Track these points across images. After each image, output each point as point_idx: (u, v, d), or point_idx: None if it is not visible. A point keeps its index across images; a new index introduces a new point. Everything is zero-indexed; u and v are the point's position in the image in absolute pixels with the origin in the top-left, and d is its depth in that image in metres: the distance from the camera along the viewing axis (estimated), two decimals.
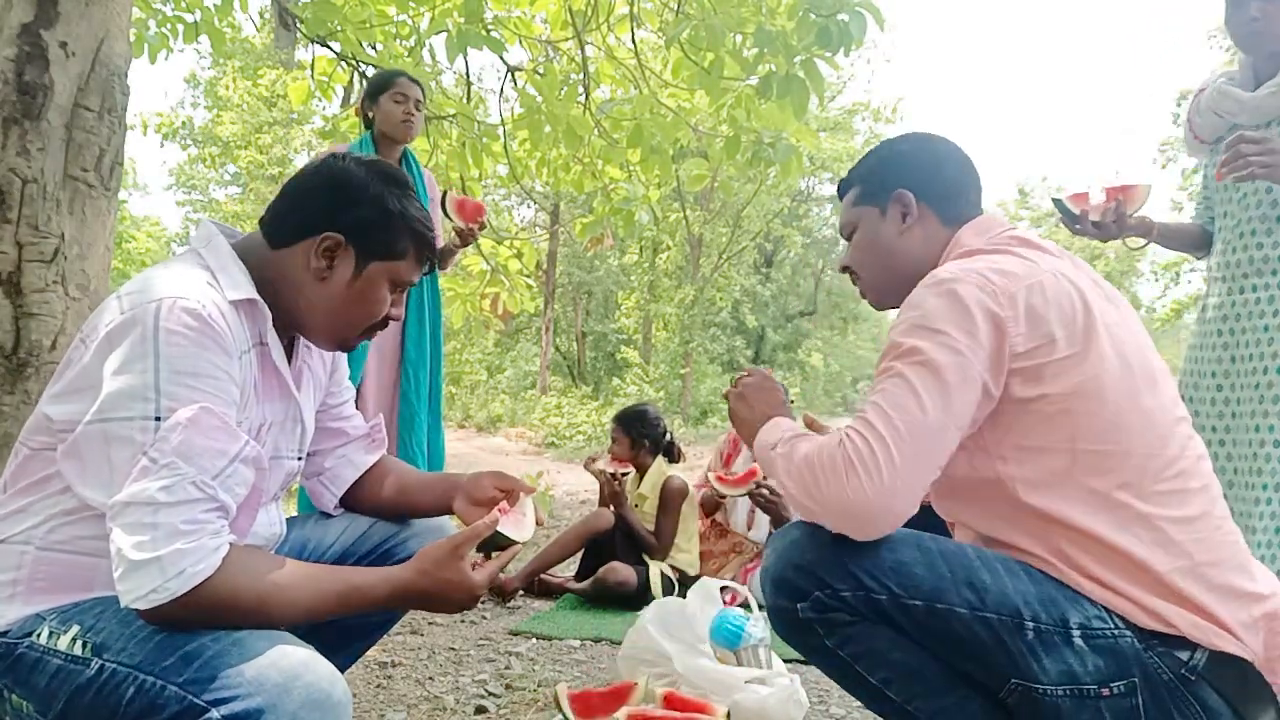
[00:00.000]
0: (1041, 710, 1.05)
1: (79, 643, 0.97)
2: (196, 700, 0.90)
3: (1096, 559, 1.06)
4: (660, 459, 3.27)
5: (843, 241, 1.44)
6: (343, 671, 1.01)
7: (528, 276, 5.35)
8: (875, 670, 1.12)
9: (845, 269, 1.42)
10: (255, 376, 1.16)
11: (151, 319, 0.99)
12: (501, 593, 2.98)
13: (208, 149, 16.42)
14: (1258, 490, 1.86)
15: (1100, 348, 1.10)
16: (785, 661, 1.97)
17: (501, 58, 4.24)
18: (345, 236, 1.17)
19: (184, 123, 15.52)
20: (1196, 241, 2.14)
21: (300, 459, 1.34)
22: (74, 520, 1.04)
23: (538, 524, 1.33)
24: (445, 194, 3.12)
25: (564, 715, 1.67)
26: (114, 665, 0.95)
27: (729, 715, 1.64)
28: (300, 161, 14.55)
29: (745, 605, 2.00)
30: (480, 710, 1.86)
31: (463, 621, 2.68)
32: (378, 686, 2.01)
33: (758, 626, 1.85)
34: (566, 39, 4.49)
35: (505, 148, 4.69)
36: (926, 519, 1.18)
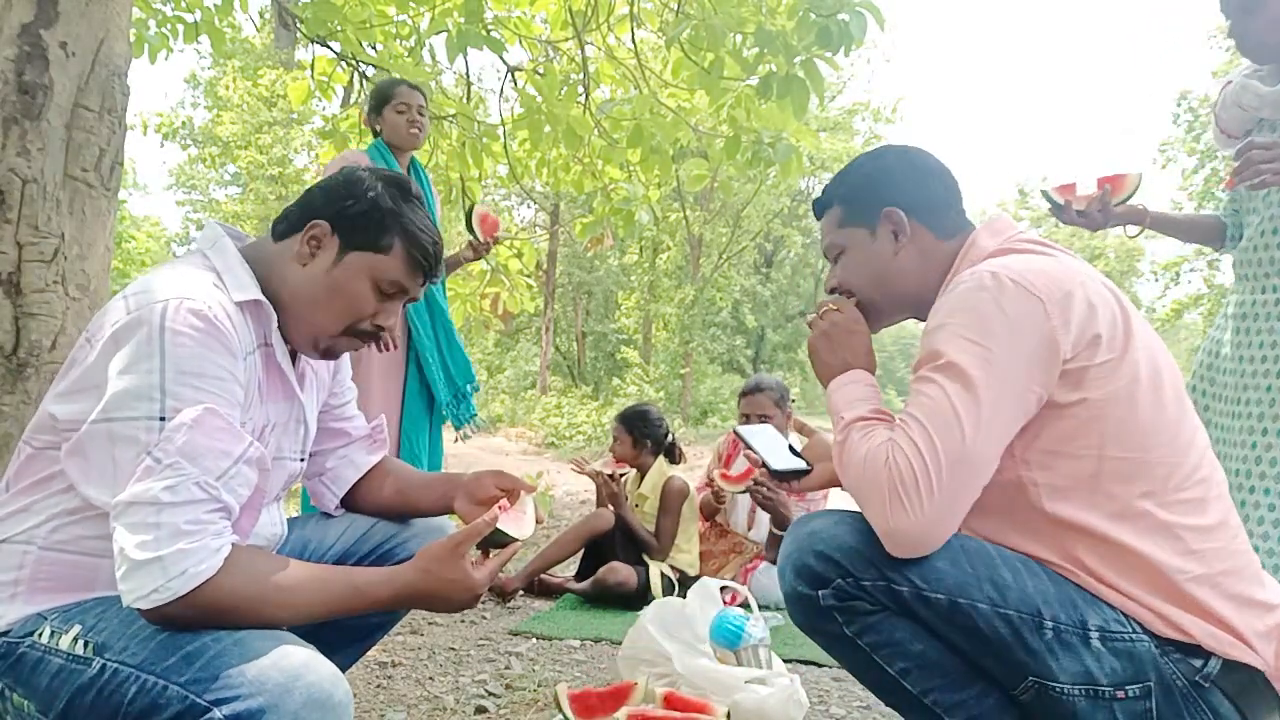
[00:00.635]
0: (1057, 708, 1.06)
1: (80, 642, 0.98)
2: (198, 700, 0.90)
3: (1114, 567, 1.07)
4: (661, 459, 3.27)
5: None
6: (343, 671, 1.01)
7: (528, 276, 5.34)
8: (894, 661, 1.12)
9: (835, 290, 1.38)
10: (260, 377, 1.16)
11: (158, 319, 1.00)
12: (501, 593, 2.98)
13: (208, 149, 16.40)
14: (1259, 495, 1.86)
15: (1135, 352, 1.10)
16: (785, 661, 1.97)
17: (501, 58, 4.24)
18: (331, 224, 1.17)
19: (184, 123, 15.52)
20: (1209, 233, 2.10)
21: (302, 460, 1.34)
22: (76, 520, 1.04)
23: (537, 522, 1.33)
24: (471, 208, 3.18)
25: (564, 715, 1.67)
26: (115, 665, 0.95)
27: (729, 715, 1.64)
28: (300, 161, 14.56)
29: (745, 605, 2.00)
30: (480, 710, 1.86)
31: (463, 621, 2.68)
32: (378, 686, 2.01)
33: (758, 626, 1.85)
34: (566, 39, 4.49)
35: (505, 148, 4.69)
36: None
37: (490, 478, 1.43)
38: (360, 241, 1.18)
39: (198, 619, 0.95)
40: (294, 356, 1.28)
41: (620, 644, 1.94)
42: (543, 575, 3.13)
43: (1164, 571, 1.05)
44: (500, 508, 1.29)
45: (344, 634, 1.41)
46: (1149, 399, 1.09)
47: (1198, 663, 1.05)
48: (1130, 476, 1.07)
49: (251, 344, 1.13)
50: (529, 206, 18.91)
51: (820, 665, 2.26)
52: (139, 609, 0.93)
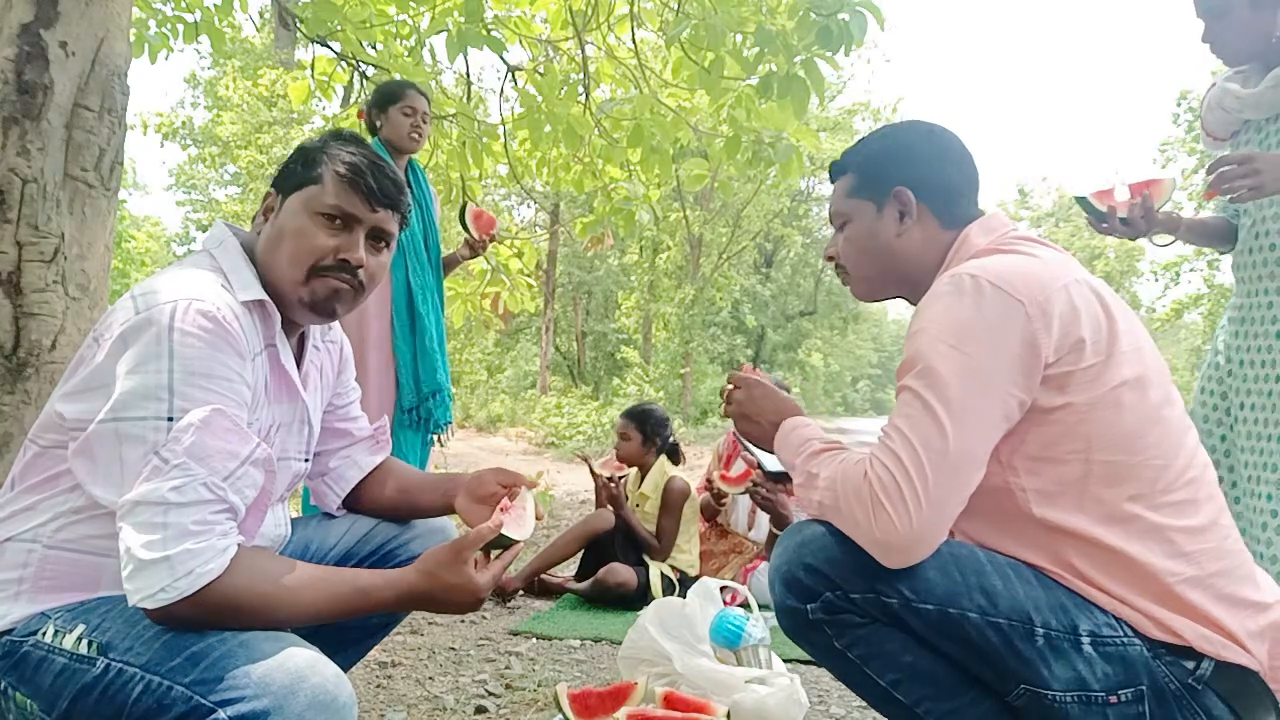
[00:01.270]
0: (1050, 715, 1.05)
1: (85, 641, 0.97)
2: (203, 701, 0.90)
3: (1105, 571, 1.06)
4: (664, 459, 3.27)
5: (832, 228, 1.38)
6: (344, 671, 1.01)
7: (528, 276, 5.34)
8: (885, 672, 1.12)
9: (831, 259, 1.37)
10: (266, 378, 1.16)
11: (166, 320, 1.00)
12: (502, 593, 2.98)
13: (208, 149, 16.41)
14: (1262, 500, 1.85)
15: (1121, 355, 1.09)
16: (785, 661, 1.97)
17: (501, 57, 4.23)
18: (274, 186, 1.21)
19: (184, 123, 15.52)
20: (1223, 235, 2.08)
21: (307, 460, 1.34)
22: (81, 519, 1.04)
23: (536, 519, 1.33)
24: (465, 205, 3.17)
25: (564, 715, 1.67)
26: (120, 665, 0.95)
27: (729, 715, 1.64)
28: None
29: (745, 605, 1.99)
30: (480, 710, 1.86)
31: (463, 621, 2.68)
32: (378, 686, 2.01)
33: (758, 626, 1.85)
34: (566, 39, 4.49)
35: (505, 147, 4.69)
36: None
37: (491, 475, 1.42)
38: (294, 184, 1.19)
39: (203, 619, 0.95)
40: (299, 356, 1.28)
41: (620, 644, 1.94)
42: (543, 575, 3.13)
43: (1155, 574, 1.04)
44: (502, 508, 1.29)
45: (345, 635, 1.41)
46: (1135, 401, 1.08)
47: (1190, 665, 1.04)
48: (1118, 479, 1.06)
49: (259, 345, 1.13)
50: (529, 206, 18.91)
51: (820, 665, 2.25)
52: (145, 609, 0.93)
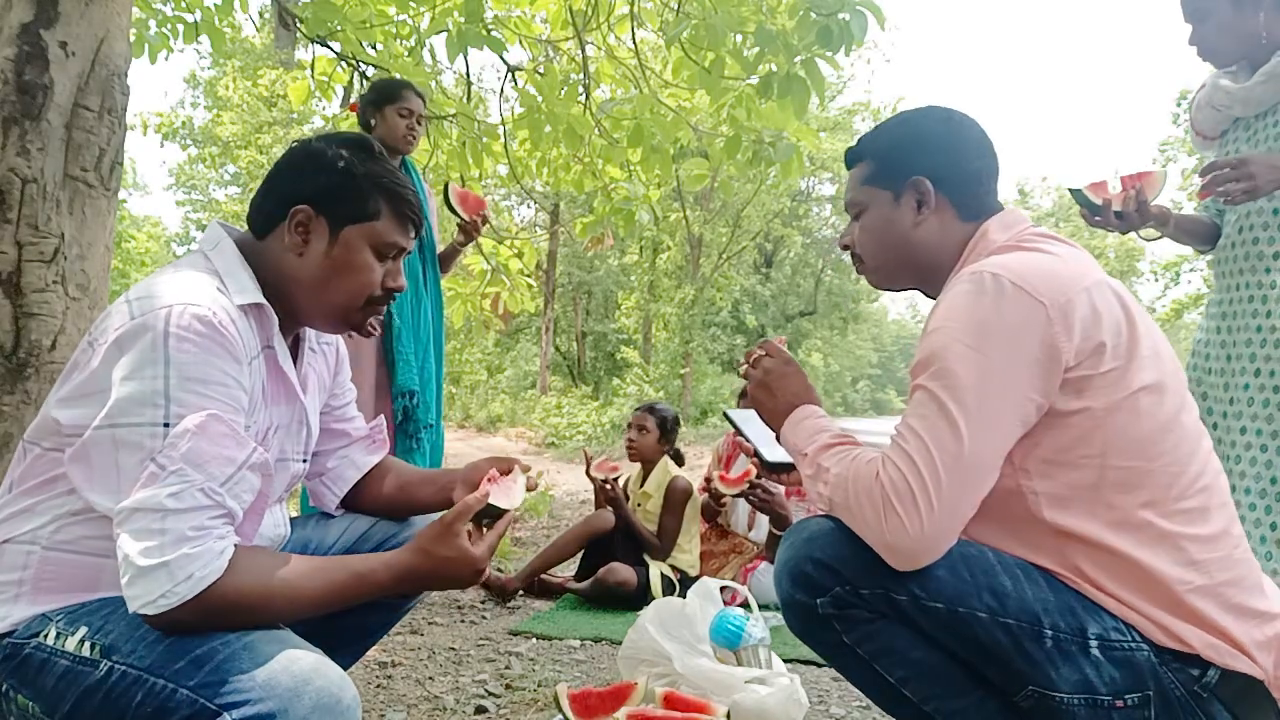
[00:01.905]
0: (1056, 716, 1.05)
1: (87, 644, 0.97)
2: (208, 704, 0.90)
3: (1114, 577, 1.05)
4: (667, 460, 3.28)
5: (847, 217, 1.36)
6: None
7: (528, 276, 5.34)
8: (894, 669, 1.11)
9: (846, 248, 1.35)
10: (263, 380, 1.16)
11: (162, 325, 0.99)
12: (502, 593, 2.98)
13: (208, 149, 16.41)
14: (1240, 494, 1.86)
15: (1140, 359, 1.08)
16: (785, 661, 1.97)
17: (501, 58, 4.23)
18: (313, 206, 1.16)
19: (184, 123, 15.52)
20: (1207, 235, 2.08)
21: (305, 461, 1.34)
22: (80, 520, 1.04)
23: (528, 489, 1.31)
24: (447, 185, 3.09)
25: (564, 715, 1.67)
26: (124, 667, 0.95)
27: (729, 715, 1.64)
28: None
29: (745, 605, 1.99)
30: (480, 710, 1.86)
31: (463, 621, 2.68)
32: (378, 686, 2.01)
33: (758, 626, 1.85)
34: (566, 39, 4.49)
35: (505, 147, 4.68)
36: None
37: (485, 463, 1.41)
38: (348, 214, 1.17)
39: (205, 622, 0.95)
40: (295, 357, 1.28)
41: (620, 644, 1.94)
42: (543, 575, 3.13)
43: (1165, 582, 1.03)
44: (490, 479, 1.27)
45: (344, 634, 1.41)
46: (1153, 407, 1.07)
47: (1196, 672, 1.04)
48: (1132, 486, 1.05)
49: (255, 348, 1.13)
50: (529, 206, 18.91)
51: (820, 665, 2.26)
52: (146, 615, 0.93)
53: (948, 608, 1.06)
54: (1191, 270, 17.78)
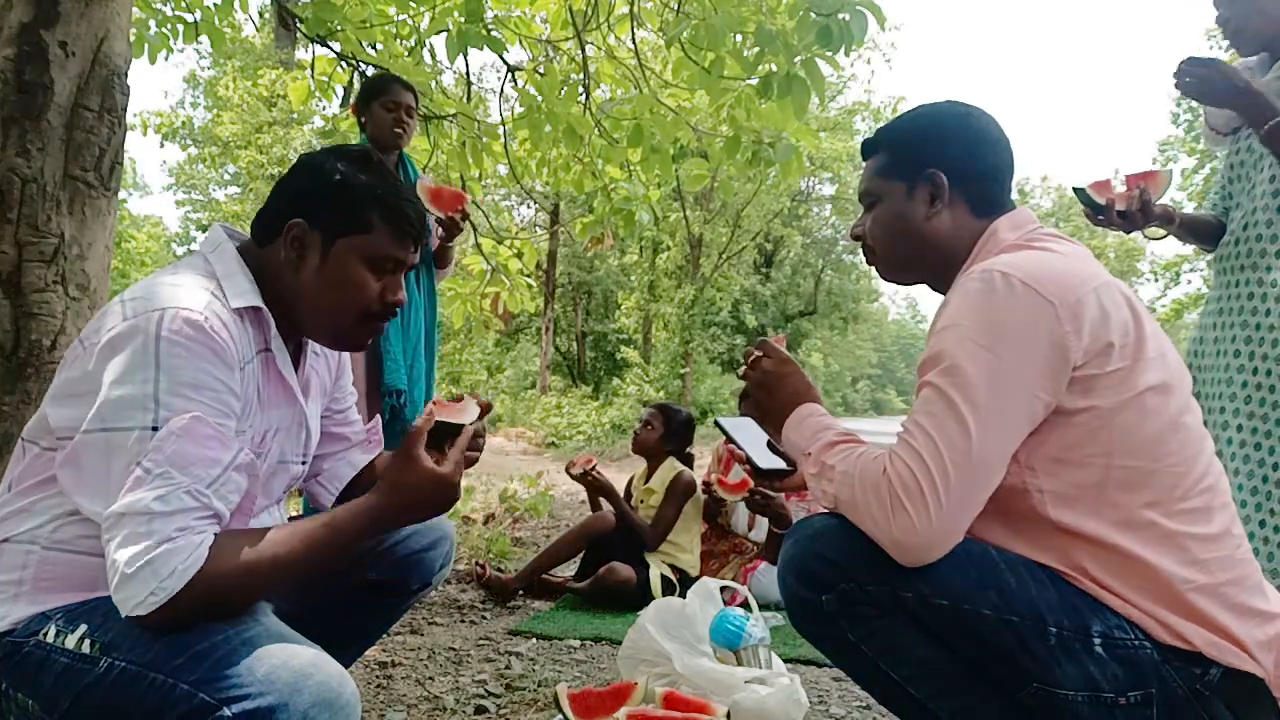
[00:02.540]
0: (1060, 714, 1.05)
1: (87, 642, 0.97)
2: (208, 699, 0.90)
3: (1118, 576, 1.06)
4: (674, 459, 3.28)
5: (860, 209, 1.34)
6: None
7: (528, 276, 5.34)
8: (898, 666, 1.11)
9: (858, 237, 1.35)
10: (260, 384, 1.16)
11: (154, 328, 0.99)
12: (502, 593, 2.98)
13: (208, 149, 16.41)
14: (1232, 491, 1.86)
15: (1146, 359, 1.08)
16: (785, 661, 1.97)
17: (501, 57, 4.23)
18: (308, 221, 1.15)
19: (184, 123, 15.52)
20: (1213, 234, 2.08)
21: (304, 463, 1.34)
22: (78, 520, 1.04)
23: (483, 409, 1.26)
24: (416, 183, 2.94)
25: (564, 715, 1.67)
26: (123, 664, 0.95)
27: (729, 715, 1.64)
28: None
29: (745, 605, 1.99)
30: (480, 710, 1.86)
31: (463, 621, 2.68)
32: (378, 686, 2.01)
33: (758, 626, 1.85)
34: (566, 39, 4.49)
35: (505, 147, 4.68)
36: None
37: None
38: (340, 228, 1.15)
39: (197, 613, 0.95)
40: (297, 361, 1.28)
41: (620, 644, 1.94)
42: (543, 575, 3.13)
43: (1168, 581, 1.04)
44: (436, 403, 1.25)
45: (344, 634, 1.41)
46: (1159, 407, 1.07)
47: (1198, 671, 1.04)
48: (1137, 485, 1.06)
49: (250, 351, 1.12)
50: (529, 206, 18.91)
51: (820, 665, 2.26)
52: (138, 616, 0.93)
53: (952, 605, 1.07)
54: (1191, 270, 17.79)
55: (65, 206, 1.95)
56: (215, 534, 0.99)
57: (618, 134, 4.34)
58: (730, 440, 1.50)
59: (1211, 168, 15.91)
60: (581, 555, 3.23)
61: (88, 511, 0.99)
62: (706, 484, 3.21)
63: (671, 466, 3.23)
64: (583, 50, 4.37)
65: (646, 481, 3.29)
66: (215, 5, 4.39)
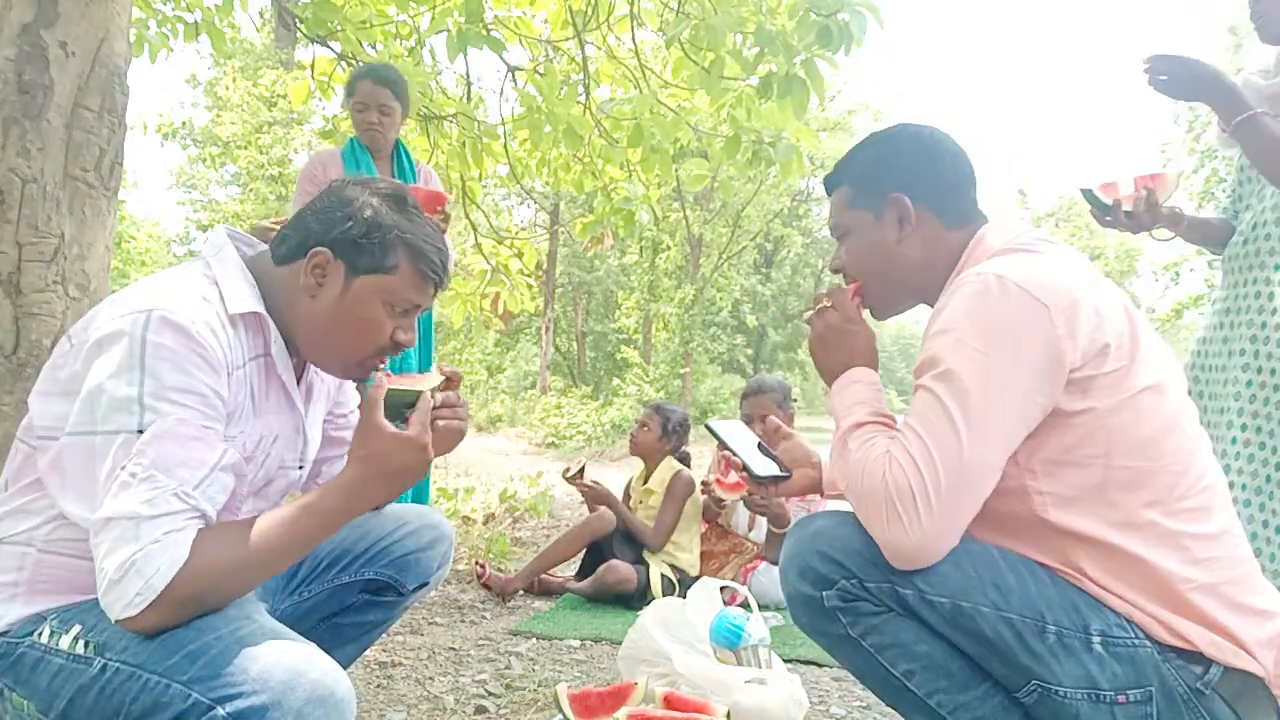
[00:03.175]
0: (1059, 712, 1.06)
1: (81, 642, 0.98)
2: (202, 698, 0.90)
3: (1118, 576, 1.06)
4: (672, 459, 3.28)
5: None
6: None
7: (528, 276, 5.34)
8: (899, 662, 1.12)
9: (838, 270, 1.36)
10: (255, 389, 1.16)
11: (140, 330, 0.99)
12: (502, 593, 2.98)
13: (208, 149, 16.41)
14: (1236, 490, 1.86)
15: (1142, 360, 1.08)
16: (785, 661, 1.97)
17: (501, 58, 4.23)
18: (333, 251, 1.15)
19: (184, 123, 15.53)
20: (1221, 236, 2.06)
21: (302, 468, 1.34)
22: (72, 522, 1.04)
23: (452, 380, 1.27)
24: (415, 173, 2.87)
25: (564, 715, 1.67)
26: (117, 664, 0.95)
27: (729, 715, 1.64)
28: (300, 161, 14.54)
29: (745, 605, 1.99)
30: (480, 710, 1.86)
31: (463, 621, 2.68)
32: (378, 686, 2.01)
33: (758, 626, 1.85)
34: (566, 39, 4.49)
35: (505, 147, 4.68)
36: None
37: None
38: (365, 265, 1.15)
39: (186, 607, 0.95)
40: (301, 368, 1.27)
41: (620, 644, 1.94)
42: (543, 575, 3.13)
43: (1169, 581, 1.04)
44: (388, 375, 1.24)
45: (343, 633, 1.41)
46: (1156, 407, 1.08)
47: (1198, 670, 1.04)
48: (1136, 485, 1.06)
49: (244, 356, 1.12)
50: (529, 206, 18.91)
51: (820, 665, 2.26)
52: (128, 618, 0.93)
53: (952, 602, 1.07)
54: (1192, 271, 17.77)
55: (65, 206, 1.95)
56: (197, 529, 0.99)
57: (618, 134, 4.34)
58: (723, 445, 1.50)
59: (1212, 169, 15.91)
60: (581, 555, 3.23)
61: (74, 516, 0.99)
62: (705, 484, 3.21)
63: (670, 466, 3.23)
64: (583, 50, 4.37)
65: (645, 482, 3.29)
66: (215, 5, 4.39)
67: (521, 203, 18.65)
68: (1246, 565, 1.09)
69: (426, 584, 1.47)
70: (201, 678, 0.91)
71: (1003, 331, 1.05)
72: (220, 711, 0.89)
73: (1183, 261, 17.80)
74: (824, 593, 1.12)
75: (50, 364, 1.08)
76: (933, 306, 1.29)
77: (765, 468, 1.42)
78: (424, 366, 2.92)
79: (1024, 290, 1.06)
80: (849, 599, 1.11)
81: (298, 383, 1.25)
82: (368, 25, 4.17)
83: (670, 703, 1.69)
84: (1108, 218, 1.94)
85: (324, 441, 1.43)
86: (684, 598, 2.00)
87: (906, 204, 1.25)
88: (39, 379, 1.08)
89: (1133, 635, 1.05)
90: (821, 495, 1.51)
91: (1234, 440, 1.90)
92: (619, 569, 2.92)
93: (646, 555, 3.09)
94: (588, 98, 4.44)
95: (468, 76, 5.17)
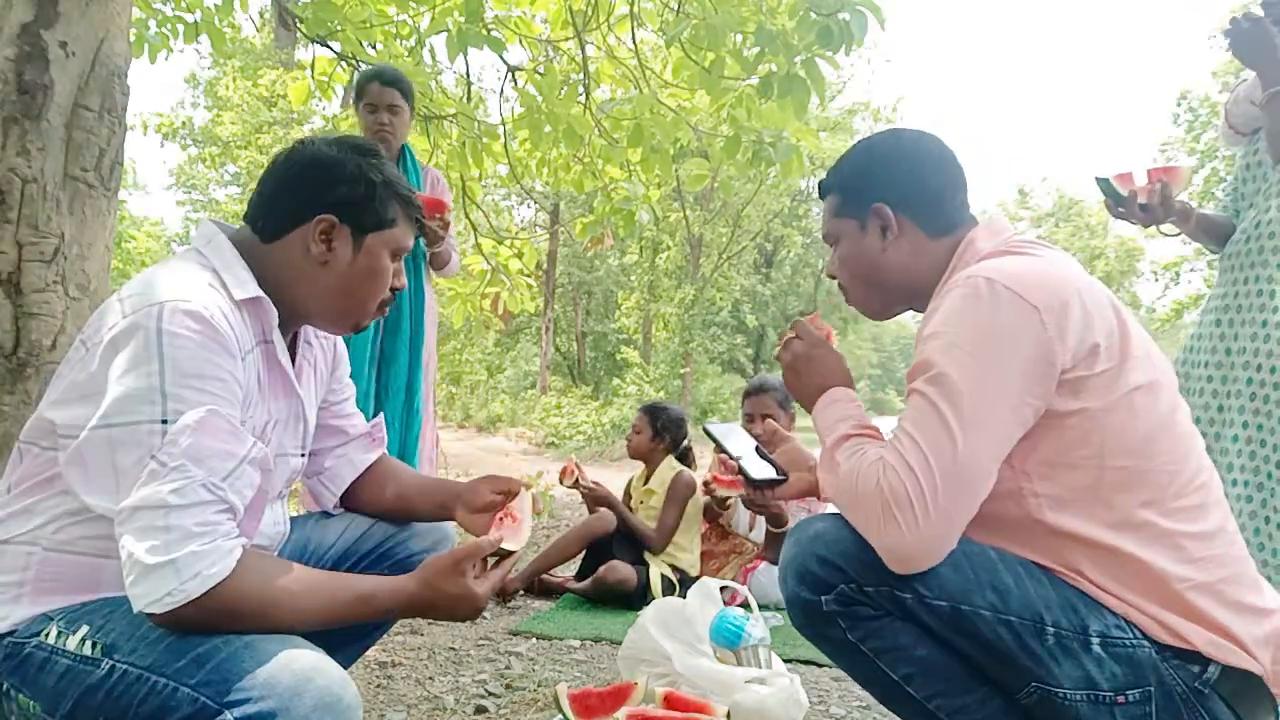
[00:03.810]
0: (1059, 713, 1.06)
1: (89, 643, 0.97)
2: (210, 703, 0.90)
3: (1115, 577, 1.06)
4: (672, 458, 3.28)
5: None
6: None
7: (528, 276, 5.34)
8: (898, 666, 1.12)
9: (833, 276, 1.39)
10: (260, 375, 1.16)
11: (154, 323, 0.99)
12: (502, 593, 2.98)
13: (208, 149, 16.42)
14: (1240, 487, 1.86)
15: (1133, 360, 1.09)
16: (785, 661, 1.97)
17: (501, 57, 4.23)
18: (338, 216, 1.18)
19: (184, 123, 15.52)
20: (1225, 235, 2.07)
21: (303, 456, 1.34)
22: (79, 520, 1.03)
23: (535, 514, 1.34)
24: (421, 177, 2.92)
25: (564, 715, 1.67)
26: (125, 666, 0.95)
27: (729, 715, 1.64)
28: None
29: (745, 605, 1.99)
30: (480, 710, 1.86)
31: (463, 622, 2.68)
32: (378, 686, 2.01)
33: (758, 626, 1.85)
34: (566, 39, 4.49)
35: (505, 147, 4.68)
36: None
37: (485, 484, 1.43)
38: (370, 223, 1.20)
39: (209, 623, 0.95)
40: (292, 352, 1.28)
41: (620, 644, 1.94)
42: (543, 575, 3.13)
43: (1166, 580, 1.04)
44: (500, 518, 1.29)
45: (343, 634, 1.41)
46: (1148, 407, 1.08)
47: (1197, 669, 1.05)
48: (1131, 485, 1.06)
49: (250, 342, 1.13)
50: (529, 206, 18.91)
51: (820, 665, 2.26)
52: (152, 613, 0.93)
53: (951, 605, 1.07)
54: (1192, 270, 17.79)
55: (65, 206, 1.95)
56: (244, 547, 0.99)
57: (618, 134, 4.34)
58: (720, 448, 1.50)
59: (1212, 168, 15.92)
60: (581, 555, 3.23)
61: (98, 508, 0.99)
62: (707, 483, 3.21)
63: (670, 466, 3.23)
64: (583, 50, 4.37)
65: (646, 482, 3.29)
66: (215, 5, 4.40)
67: (521, 203, 18.66)
68: (1243, 563, 1.09)
69: None
70: (209, 682, 0.91)
71: (994, 333, 1.06)
72: (228, 716, 0.89)
73: (1183, 262, 17.81)
74: (823, 597, 1.12)
75: (64, 368, 1.07)
76: (923, 312, 1.30)
77: (761, 471, 1.42)
78: (411, 379, 2.91)
79: (1013, 292, 1.06)
80: (848, 603, 1.11)
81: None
82: (368, 25, 4.17)
83: (670, 703, 1.69)
84: (1121, 208, 1.95)
85: (322, 430, 1.43)
86: (684, 598, 2.00)
87: (889, 214, 1.26)
88: (53, 387, 1.07)
89: (1131, 635, 1.05)
90: (819, 498, 1.51)
91: (1235, 438, 1.90)
92: (619, 569, 2.92)
93: (647, 555, 3.09)
94: (588, 98, 4.44)
95: (468, 76, 5.18)
